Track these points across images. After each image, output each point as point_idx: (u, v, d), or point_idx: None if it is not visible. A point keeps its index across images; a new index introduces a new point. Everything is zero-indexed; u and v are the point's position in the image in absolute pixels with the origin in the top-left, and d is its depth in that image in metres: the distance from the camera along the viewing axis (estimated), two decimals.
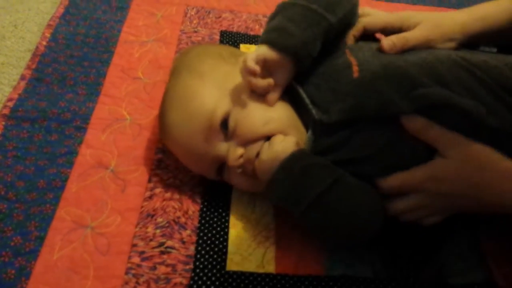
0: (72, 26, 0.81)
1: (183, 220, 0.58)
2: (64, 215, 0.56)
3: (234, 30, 0.86)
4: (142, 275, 0.52)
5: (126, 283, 0.51)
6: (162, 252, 0.54)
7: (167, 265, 0.53)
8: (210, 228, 0.57)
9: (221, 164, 0.55)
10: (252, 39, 0.85)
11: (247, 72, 0.51)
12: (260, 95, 0.54)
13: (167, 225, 0.57)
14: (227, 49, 0.63)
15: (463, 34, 0.55)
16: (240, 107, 0.53)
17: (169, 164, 0.63)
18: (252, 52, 0.51)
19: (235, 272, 0.53)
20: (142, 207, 0.58)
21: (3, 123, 0.64)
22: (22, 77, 0.70)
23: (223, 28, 0.86)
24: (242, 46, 0.83)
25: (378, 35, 0.60)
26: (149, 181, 0.61)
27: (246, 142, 0.53)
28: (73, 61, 0.75)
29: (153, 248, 0.54)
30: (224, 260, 0.54)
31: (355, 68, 0.53)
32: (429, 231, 0.55)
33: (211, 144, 0.53)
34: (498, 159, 0.48)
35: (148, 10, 0.87)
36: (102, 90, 0.71)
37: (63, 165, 0.61)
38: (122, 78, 0.73)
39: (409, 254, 0.57)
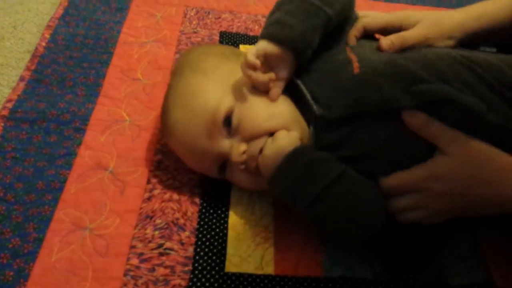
0: (71, 27, 0.81)
1: (182, 221, 0.58)
2: (63, 216, 0.56)
3: (234, 30, 0.86)
4: (141, 277, 0.52)
5: (125, 285, 0.51)
6: (161, 254, 0.54)
7: (166, 267, 0.53)
8: (209, 230, 0.57)
9: (224, 162, 0.55)
10: (251, 40, 0.85)
11: (248, 66, 0.51)
12: (263, 91, 0.54)
13: (166, 226, 0.57)
14: (229, 48, 0.63)
15: (462, 32, 0.56)
16: (243, 103, 0.53)
17: (168, 165, 0.63)
18: (252, 47, 0.51)
19: (234, 274, 0.53)
20: (141, 208, 0.58)
21: (2, 124, 0.64)
22: (21, 78, 0.70)
23: (223, 29, 0.86)
24: (241, 46, 0.83)
25: (377, 36, 0.60)
26: (148, 182, 0.61)
27: (250, 138, 0.53)
28: (73, 62, 0.75)
29: (152, 249, 0.54)
30: (223, 262, 0.54)
31: (356, 65, 0.53)
32: (428, 232, 0.55)
33: (214, 141, 0.53)
34: (499, 156, 0.48)
35: (147, 11, 0.87)
36: (101, 91, 0.71)
37: (62, 166, 0.61)
38: (122, 79, 0.73)
39: (408, 255, 0.57)
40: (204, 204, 0.60)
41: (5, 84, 0.70)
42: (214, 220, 0.58)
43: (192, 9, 0.89)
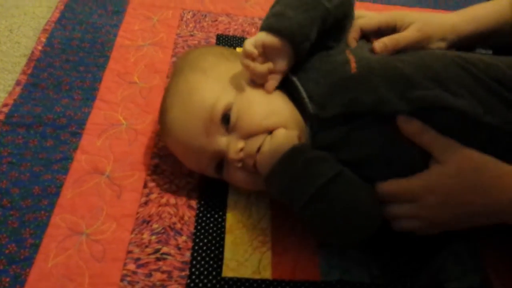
0: (67, 30, 0.80)
1: (179, 226, 0.57)
2: (59, 222, 0.55)
3: (231, 33, 0.86)
4: (138, 282, 0.52)
5: None
6: (158, 259, 0.54)
7: (163, 272, 0.53)
8: (206, 234, 0.57)
9: (221, 161, 0.55)
10: None
11: (246, 56, 0.51)
12: (262, 87, 0.54)
13: (162, 231, 0.57)
14: (228, 50, 0.64)
15: (454, 34, 0.56)
16: (242, 100, 0.53)
17: (165, 169, 0.63)
18: (251, 39, 0.52)
19: (231, 279, 0.53)
20: (137, 213, 0.58)
21: None
22: (18, 83, 0.70)
23: (220, 32, 0.86)
24: (238, 49, 0.83)
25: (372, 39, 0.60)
26: (145, 186, 0.61)
27: (248, 135, 0.53)
28: (69, 66, 0.74)
29: (149, 254, 0.54)
30: (220, 266, 0.54)
31: (353, 65, 0.53)
32: (426, 236, 0.55)
33: (212, 138, 0.53)
34: (494, 164, 0.48)
35: (144, 14, 0.87)
36: (97, 95, 0.71)
37: (58, 171, 0.60)
38: (118, 83, 0.73)
39: (406, 259, 0.57)
40: (201, 208, 0.60)
41: (1, 89, 0.70)
42: (211, 224, 0.58)
43: (189, 12, 0.89)
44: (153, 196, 0.60)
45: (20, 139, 0.63)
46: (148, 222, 0.57)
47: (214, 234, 0.57)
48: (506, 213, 0.48)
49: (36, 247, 0.53)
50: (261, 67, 0.52)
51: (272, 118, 0.53)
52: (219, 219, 0.59)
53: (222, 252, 0.55)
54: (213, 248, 0.56)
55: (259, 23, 0.89)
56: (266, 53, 0.53)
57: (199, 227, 0.58)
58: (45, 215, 0.56)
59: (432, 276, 0.56)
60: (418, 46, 0.55)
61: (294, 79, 0.56)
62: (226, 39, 0.85)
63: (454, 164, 0.48)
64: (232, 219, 0.59)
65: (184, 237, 0.56)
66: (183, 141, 0.55)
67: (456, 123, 0.49)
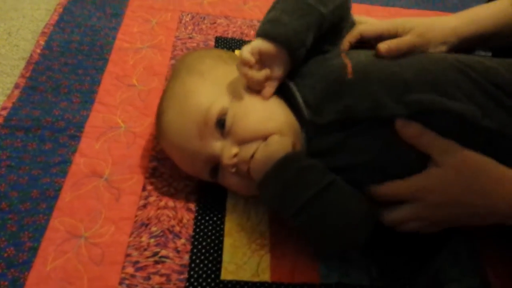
0: (66, 33, 0.80)
1: (177, 229, 0.57)
2: (58, 225, 0.55)
3: (229, 36, 0.86)
4: (136, 286, 0.52)
5: None
6: (157, 262, 0.54)
7: (162, 275, 0.53)
8: (205, 237, 0.57)
9: (216, 165, 0.55)
10: None
11: (243, 64, 0.51)
12: (258, 93, 0.54)
13: (161, 234, 0.56)
14: (226, 53, 0.64)
15: (455, 37, 0.56)
16: (238, 105, 0.53)
17: (163, 172, 0.63)
18: (247, 45, 0.52)
19: (229, 281, 0.53)
20: (136, 216, 0.58)
21: None
22: (16, 86, 0.70)
23: (218, 34, 0.86)
24: (237, 52, 0.83)
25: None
26: (144, 189, 0.61)
27: (242, 141, 0.52)
28: (67, 69, 0.74)
29: (147, 257, 0.54)
30: (219, 269, 0.54)
31: (350, 70, 0.53)
32: (425, 237, 0.55)
33: (206, 142, 0.53)
34: (493, 166, 0.48)
35: (142, 16, 0.87)
36: (96, 98, 0.71)
37: (57, 174, 0.60)
38: (117, 86, 0.73)
39: (405, 261, 0.57)
40: (200, 211, 0.60)
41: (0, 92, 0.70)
42: (210, 227, 0.58)
43: (187, 15, 0.89)
44: (151, 199, 0.60)
45: (19, 143, 0.63)
46: (146, 225, 0.57)
47: (213, 237, 0.57)
48: (506, 215, 0.48)
49: (34, 250, 0.53)
50: (259, 75, 0.52)
51: (267, 124, 0.53)
52: (218, 222, 0.59)
53: (220, 255, 0.55)
54: (211, 251, 0.56)
55: (258, 25, 0.89)
56: (262, 60, 0.53)
57: (197, 230, 0.57)
58: (44, 219, 0.56)
59: (431, 278, 0.56)
60: (419, 50, 0.55)
61: (291, 84, 0.55)
62: (225, 41, 0.85)
63: (454, 165, 0.48)
64: (230, 222, 0.59)
65: (182, 240, 0.56)
66: (178, 144, 0.55)
67: (454, 126, 0.49)
